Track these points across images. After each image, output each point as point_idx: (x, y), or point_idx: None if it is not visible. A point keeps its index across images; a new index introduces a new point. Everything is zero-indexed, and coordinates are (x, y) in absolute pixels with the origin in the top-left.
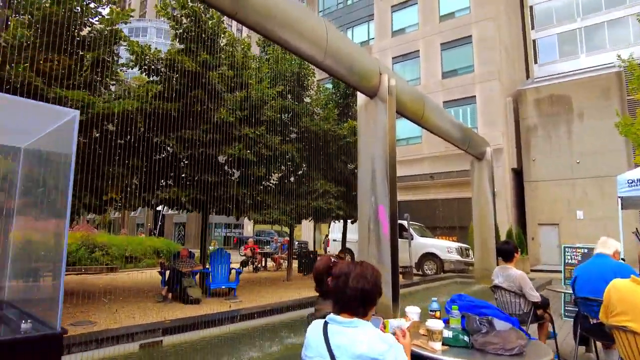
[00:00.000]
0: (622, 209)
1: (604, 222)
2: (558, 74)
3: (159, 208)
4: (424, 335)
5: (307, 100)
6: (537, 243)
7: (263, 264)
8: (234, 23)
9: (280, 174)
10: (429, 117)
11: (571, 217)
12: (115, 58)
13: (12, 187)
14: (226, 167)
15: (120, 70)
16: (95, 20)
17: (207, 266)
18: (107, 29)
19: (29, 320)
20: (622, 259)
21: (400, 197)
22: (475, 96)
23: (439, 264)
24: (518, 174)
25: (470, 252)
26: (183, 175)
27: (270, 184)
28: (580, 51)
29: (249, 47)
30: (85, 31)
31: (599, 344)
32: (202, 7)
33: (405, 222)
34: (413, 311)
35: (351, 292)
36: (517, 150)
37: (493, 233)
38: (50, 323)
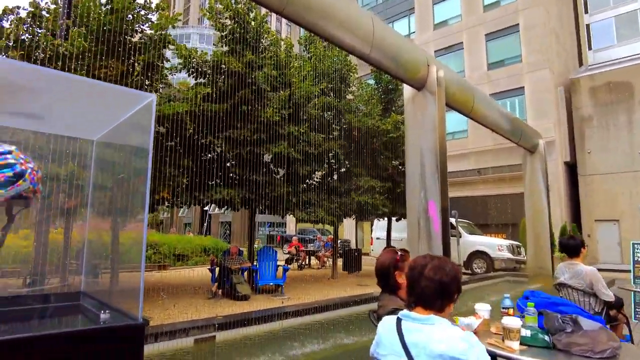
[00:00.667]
0: None
1: None
2: (615, 59)
3: (206, 208)
4: (496, 333)
5: (350, 97)
6: (593, 240)
7: (307, 262)
8: (273, 23)
9: (323, 172)
10: (478, 108)
11: (634, 213)
12: (165, 62)
13: (86, 180)
14: (272, 166)
15: (169, 74)
16: (146, 27)
17: (255, 263)
18: (157, 33)
19: (107, 311)
20: None
21: None
22: (523, 87)
23: (488, 262)
24: (571, 168)
25: (522, 249)
26: (231, 175)
27: (314, 182)
28: None
29: (292, 46)
30: (136, 37)
31: None
32: (245, 8)
33: (453, 219)
34: (483, 308)
35: (427, 283)
36: (570, 143)
37: (547, 230)
38: (130, 313)
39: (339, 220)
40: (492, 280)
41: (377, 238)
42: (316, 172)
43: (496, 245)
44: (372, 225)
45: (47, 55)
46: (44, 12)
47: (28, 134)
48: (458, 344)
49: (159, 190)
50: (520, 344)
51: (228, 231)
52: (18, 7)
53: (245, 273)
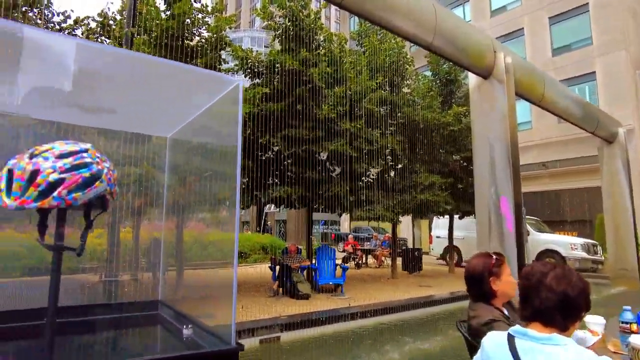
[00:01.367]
0: None
1: None
2: None
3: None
4: (615, 352)
5: (406, 90)
6: None
7: (364, 261)
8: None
9: (380, 169)
10: (550, 96)
11: None
12: (222, 64)
13: (160, 180)
14: (328, 164)
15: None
16: (203, 29)
17: (314, 262)
18: (214, 35)
19: (189, 326)
20: None
21: None
22: (594, 72)
23: (560, 262)
24: None
25: (599, 248)
26: (288, 174)
27: (371, 179)
28: None
29: (346, 41)
30: (194, 40)
31: None
32: (299, 5)
33: None
34: (597, 322)
35: (548, 295)
36: None
37: (631, 227)
38: (218, 332)
39: (398, 217)
40: None
41: (437, 237)
42: (372, 170)
43: (569, 243)
44: (429, 223)
45: None
46: (110, 22)
47: (97, 131)
48: None
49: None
50: None
51: (283, 229)
52: (88, 17)
53: (305, 272)
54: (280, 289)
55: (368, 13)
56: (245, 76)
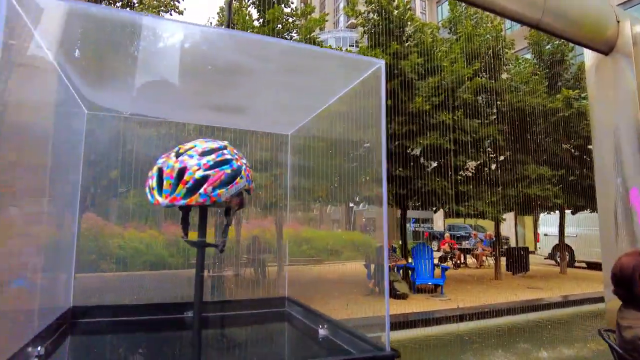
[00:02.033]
0: None
1: None
2: None
3: (351, 205)
4: None
5: (506, 76)
6: None
7: (462, 260)
8: None
9: (480, 161)
10: None
11: None
12: None
13: (284, 174)
14: (422, 159)
15: None
16: (294, 33)
17: (410, 261)
18: (305, 37)
19: (325, 326)
20: None
21: None
22: None
23: None
24: None
25: None
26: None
27: (469, 173)
28: None
29: (438, 29)
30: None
31: None
32: None
33: None
34: None
35: None
36: None
37: None
38: (356, 333)
39: (501, 214)
40: None
41: (545, 234)
42: (468, 163)
43: None
44: (534, 219)
45: None
46: None
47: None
48: None
49: (315, 189)
50: None
51: (372, 227)
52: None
53: (401, 271)
54: (377, 288)
55: None
56: None
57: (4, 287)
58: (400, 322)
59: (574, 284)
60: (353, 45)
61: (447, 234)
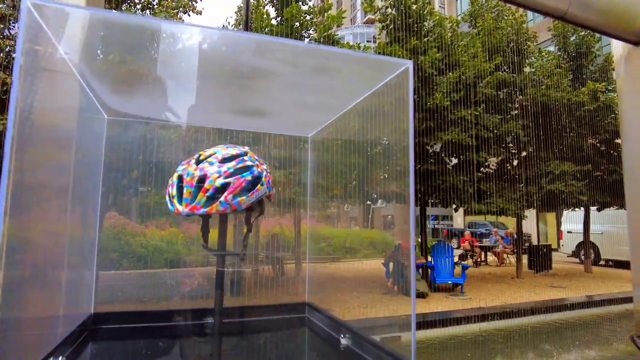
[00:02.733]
0: None
1: None
2: None
3: (369, 202)
4: None
5: (528, 69)
6: None
7: (482, 258)
8: None
9: (501, 157)
10: None
11: None
12: None
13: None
14: (442, 155)
15: None
16: (312, 31)
17: (429, 259)
18: (323, 34)
19: (347, 335)
20: None
21: None
22: None
23: None
24: None
25: None
26: (397, 168)
27: (490, 170)
28: None
29: (458, 23)
30: (305, 42)
31: None
32: None
33: None
34: None
35: None
36: None
37: None
38: (378, 344)
39: (523, 210)
40: None
41: (568, 231)
42: (489, 159)
43: None
44: (557, 216)
45: None
46: None
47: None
48: None
49: (332, 187)
50: None
51: (392, 225)
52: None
53: (420, 269)
54: (395, 286)
55: None
56: None
57: (29, 292)
58: (420, 323)
59: (599, 282)
60: (370, 41)
61: (467, 231)
